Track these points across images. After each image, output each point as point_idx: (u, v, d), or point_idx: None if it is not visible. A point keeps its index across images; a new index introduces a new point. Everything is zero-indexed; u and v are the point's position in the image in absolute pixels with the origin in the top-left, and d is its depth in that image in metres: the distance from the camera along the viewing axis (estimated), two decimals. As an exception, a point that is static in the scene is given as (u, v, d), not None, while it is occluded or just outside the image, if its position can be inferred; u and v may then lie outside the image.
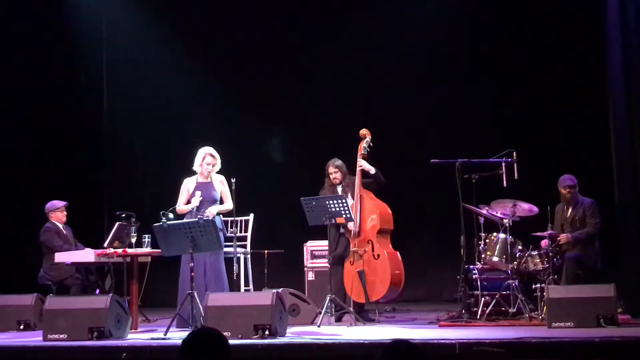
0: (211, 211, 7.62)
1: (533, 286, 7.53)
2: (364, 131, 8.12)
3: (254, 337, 6.34)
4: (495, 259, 7.74)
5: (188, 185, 7.78)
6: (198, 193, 7.66)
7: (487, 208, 7.86)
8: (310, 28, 10.92)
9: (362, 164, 8.00)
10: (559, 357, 5.68)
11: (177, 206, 7.70)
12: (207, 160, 7.72)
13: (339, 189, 8.10)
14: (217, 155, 7.79)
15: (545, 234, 7.78)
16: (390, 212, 7.99)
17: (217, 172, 7.87)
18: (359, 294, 7.79)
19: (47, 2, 10.55)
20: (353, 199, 7.95)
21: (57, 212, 8.79)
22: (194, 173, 7.85)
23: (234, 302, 6.72)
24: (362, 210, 7.93)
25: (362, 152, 8.04)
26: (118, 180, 11.38)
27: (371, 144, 8.06)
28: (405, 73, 10.49)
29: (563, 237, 7.77)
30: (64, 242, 8.58)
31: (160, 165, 10.67)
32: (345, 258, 7.96)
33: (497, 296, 7.56)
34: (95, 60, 11.32)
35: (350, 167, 8.15)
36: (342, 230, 7.97)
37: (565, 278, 7.61)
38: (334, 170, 8.11)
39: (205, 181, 7.78)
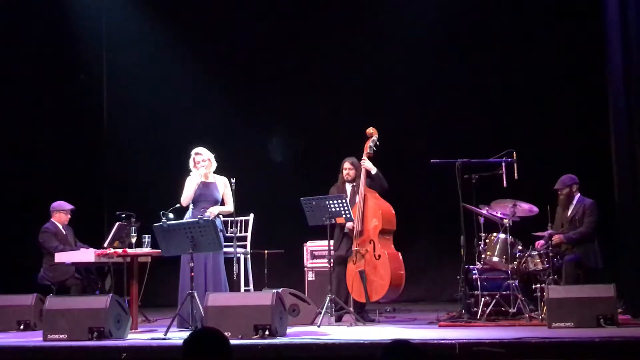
0: (212, 211, 7.62)
1: (533, 286, 7.53)
2: (370, 130, 8.10)
3: (254, 337, 6.34)
4: (495, 259, 7.74)
5: (193, 179, 7.74)
6: (202, 170, 7.66)
7: (487, 208, 7.86)
8: (311, 28, 10.92)
9: (365, 164, 8.00)
10: (559, 357, 5.68)
11: (182, 199, 7.70)
12: (196, 159, 7.72)
13: (348, 187, 8.10)
14: (205, 153, 7.75)
15: (545, 233, 7.78)
16: (393, 212, 7.98)
17: (221, 174, 7.86)
18: (360, 293, 7.79)
19: (47, 2, 10.55)
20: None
21: (61, 214, 8.77)
22: (196, 174, 7.85)
23: (234, 302, 6.72)
24: (365, 210, 7.92)
25: (368, 151, 8.02)
26: (118, 180, 11.38)
27: (377, 143, 8.05)
28: (405, 73, 10.49)
29: (556, 238, 7.76)
30: (62, 244, 8.57)
31: (160, 165, 10.66)
32: (348, 258, 7.95)
33: (497, 296, 7.56)
34: (95, 60, 11.33)
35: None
36: (346, 230, 7.97)
37: (565, 280, 7.60)
38: (349, 167, 8.10)
39: (208, 181, 7.78)
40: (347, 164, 8.13)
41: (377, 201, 7.96)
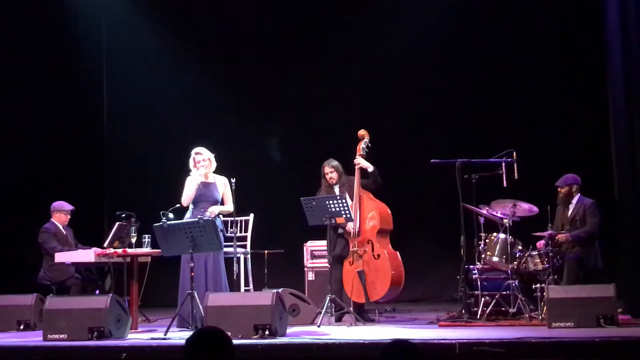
0: (213, 211, 7.62)
1: (533, 286, 7.53)
2: (362, 132, 8.12)
3: (254, 337, 6.34)
4: (495, 259, 7.74)
5: (193, 179, 7.74)
6: (202, 169, 7.66)
7: (487, 208, 7.86)
8: (309, 28, 10.92)
9: (360, 162, 7.99)
10: (559, 357, 5.68)
11: (182, 199, 7.69)
12: (196, 159, 7.72)
13: (336, 189, 8.09)
14: (205, 152, 7.75)
15: (545, 234, 7.78)
16: (389, 212, 7.99)
17: (221, 174, 7.86)
18: (359, 294, 7.79)
19: (47, 3, 10.55)
20: (351, 200, 7.94)
21: (62, 214, 8.76)
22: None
23: (234, 302, 6.72)
24: (362, 211, 7.93)
25: (361, 152, 8.05)
26: (118, 180, 11.39)
27: (369, 145, 8.07)
28: (405, 73, 10.49)
29: (562, 237, 7.77)
30: (62, 244, 8.56)
31: (160, 165, 10.67)
32: (344, 258, 7.95)
33: (497, 296, 7.56)
34: (95, 61, 11.33)
35: (347, 167, 8.14)
36: (340, 231, 7.96)
37: (566, 279, 7.60)
38: (330, 170, 8.10)
39: (207, 181, 7.78)
40: (328, 168, 8.11)
41: (373, 201, 7.97)
